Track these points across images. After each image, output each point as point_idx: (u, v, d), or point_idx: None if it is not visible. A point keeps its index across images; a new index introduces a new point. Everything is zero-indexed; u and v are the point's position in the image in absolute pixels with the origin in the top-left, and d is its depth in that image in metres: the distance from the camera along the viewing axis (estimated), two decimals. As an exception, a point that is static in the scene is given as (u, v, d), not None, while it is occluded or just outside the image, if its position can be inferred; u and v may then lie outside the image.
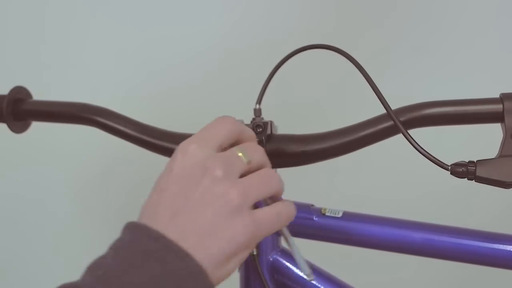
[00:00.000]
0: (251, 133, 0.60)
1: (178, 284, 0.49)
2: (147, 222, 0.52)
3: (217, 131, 0.56)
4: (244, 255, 0.53)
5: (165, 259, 0.49)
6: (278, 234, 0.79)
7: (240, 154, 0.55)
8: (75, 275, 0.49)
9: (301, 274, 0.75)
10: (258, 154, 0.57)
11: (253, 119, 0.75)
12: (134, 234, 0.52)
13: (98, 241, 1.40)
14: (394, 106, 0.68)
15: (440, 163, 0.65)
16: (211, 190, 0.52)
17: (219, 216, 0.51)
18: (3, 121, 0.83)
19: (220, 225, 0.51)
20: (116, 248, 0.51)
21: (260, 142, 0.71)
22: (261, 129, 0.72)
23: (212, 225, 0.51)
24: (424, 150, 0.65)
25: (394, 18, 1.22)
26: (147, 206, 0.54)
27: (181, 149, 0.54)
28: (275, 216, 0.55)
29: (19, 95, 0.84)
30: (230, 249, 0.51)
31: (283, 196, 0.79)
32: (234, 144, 0.57)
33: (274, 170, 0.58)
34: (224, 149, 0.56)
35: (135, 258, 0.50)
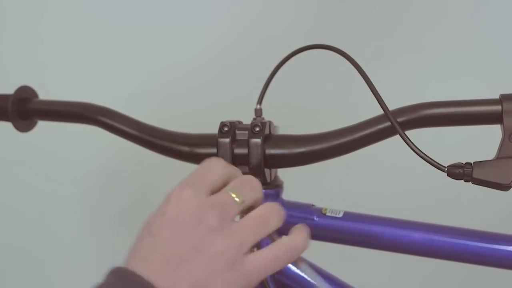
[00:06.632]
0: (238, 172, 0.58)
1: None
2: (137, 267, 0.50)
3: (209, 175, 0.55)
4: None
5: None
6: (279, 234, 0.79)
7: (233, 195, 0.54)
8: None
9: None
10: (251, 190, 0.55)
11: (254, 119, 0.76)
12: (120, 279, 0.50)
13: (99, 242, 1.42)
14: (392, 106, 0.68)
15: (437, 164, 0.64)
16: (205, 240, 0.51)
17: (212, 268, 0.50)
18: (9, 120, 0.84)
19: (213, 278, 0.50)
20: None
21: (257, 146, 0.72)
22: (259, 128, 0.72)
23: (205, 277, 0.50)
24: (421, 151, 0.64)
25: (393, 18, 1.21)
26: (137, 250, 0.52)
27: (175, 194, 0.53)
28: (270, 263, 0.53)
29: (24, 95, 0.85)
30: None
31: (284, 196, 0.80)
32: (225, 182, 0.56)
33: (275, 203, 0.57)
34: (217, 189, 0.55)
35: None
